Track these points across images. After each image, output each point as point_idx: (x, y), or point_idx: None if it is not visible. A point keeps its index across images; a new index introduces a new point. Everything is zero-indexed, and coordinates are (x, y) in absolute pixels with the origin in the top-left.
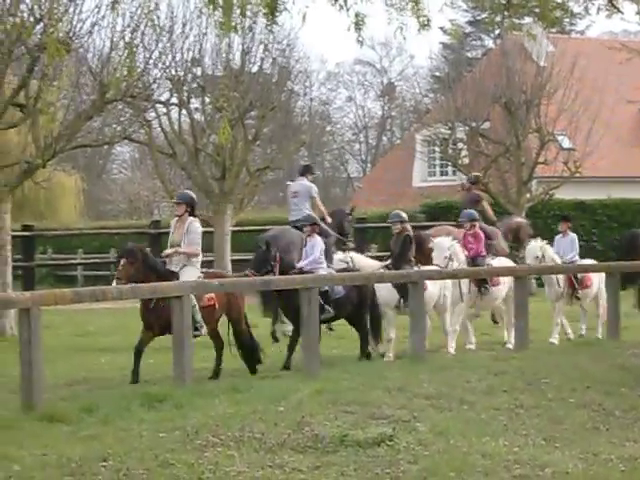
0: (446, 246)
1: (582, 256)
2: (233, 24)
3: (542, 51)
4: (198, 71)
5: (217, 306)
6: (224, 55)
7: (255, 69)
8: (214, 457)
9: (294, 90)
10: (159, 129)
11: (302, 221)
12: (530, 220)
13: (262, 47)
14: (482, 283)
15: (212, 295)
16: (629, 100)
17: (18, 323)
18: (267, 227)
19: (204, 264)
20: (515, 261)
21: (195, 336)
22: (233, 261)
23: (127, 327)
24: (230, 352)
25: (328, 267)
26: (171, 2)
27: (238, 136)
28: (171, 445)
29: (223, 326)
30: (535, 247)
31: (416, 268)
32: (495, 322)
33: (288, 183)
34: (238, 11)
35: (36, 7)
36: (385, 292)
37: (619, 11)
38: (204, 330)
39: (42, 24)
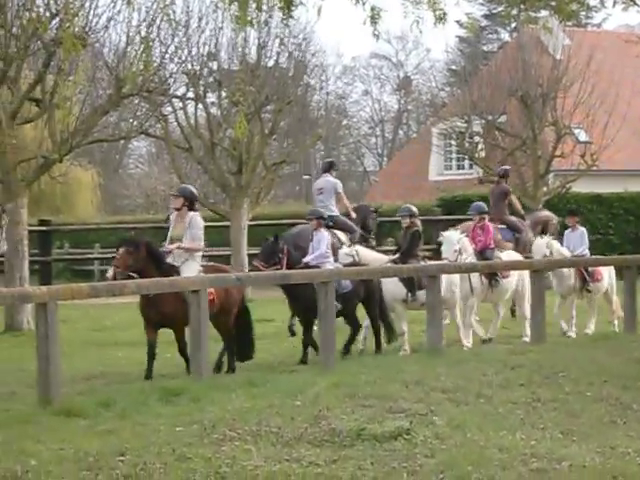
0: (455, 239)
1: (597, 250)
2: (249, 18)
3: (558, 44)
4: (214, 65)
5: (216, 300)
6: (240, 49)
7: (271, 63)
8: (231, 451)
9: (310, 84)
10: (175, 124)
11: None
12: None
13: (278, 41)
14: (493, 276)
15: (212, 289)
16: None
17: (35, 317)
18: (284, 221)
19: (222, 258)
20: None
21: None
22: (250, 255)
23: None
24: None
25: (335, 261)
26: None
27: (254, 130)
28: (188, 439)
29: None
30: (542, 244)
31: (422, 262)
32: (514, 315)
33: (305, 176)
34: (254, 5)
35: (52, 2)
36: (392, 286)
37: (635, 4)
38: None
39: (58, 19)
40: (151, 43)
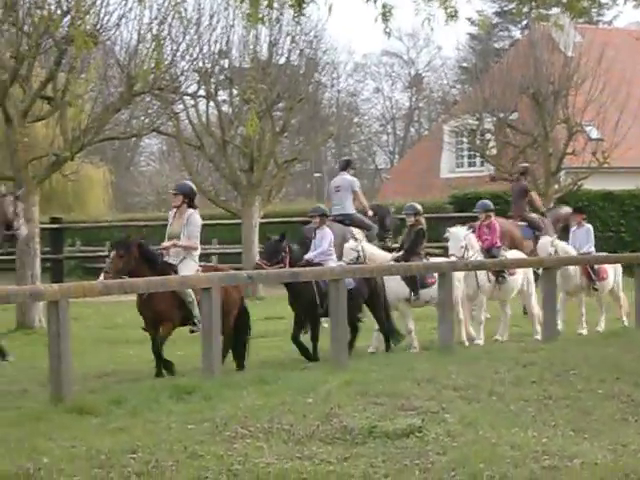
0: (462, 236)
1: (609, 247)
2: (260, 16)
3: (569, 41)
4: (225, 63)
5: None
6: (251, 47)
7: (282, 61)
8: (243, 449)
9: (321, 82)
10: (187, 121)
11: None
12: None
13: (289, 39)
14: (500, 273)
15: None
16: None
17: (47, 315)
18: (295, 219)
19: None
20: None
21: (192, 331)
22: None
23: None
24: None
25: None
26: None
27: (266, 128)
28: (200, 437)
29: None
30: (547, 243)
31: (425, 260)
32: (526, 313)
33: (316, 174)
34: (265, 3)
35: (63, 0)
36: (395, 285)
37: None
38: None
39: (69, 16)
40: (162, 41)
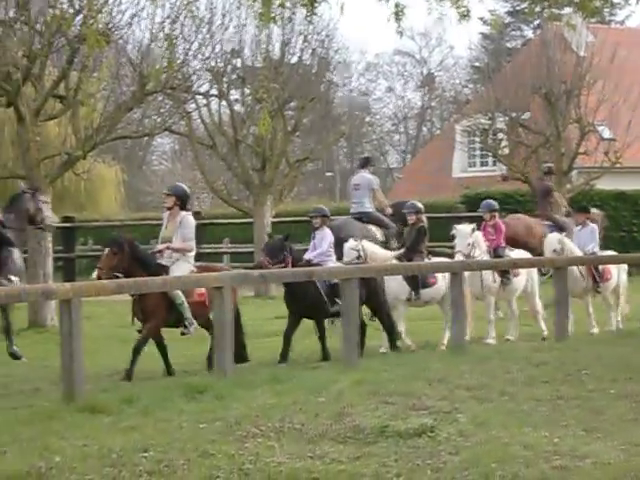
0: (468, 233)
1: (621, 247)
2: (272, 15)
3: (582, 41)
4: (238, 62)
5: (208, 302)
6: (264, 46)
7: (295, 60)
8: (255, 448)
9: (333, 81)
10: (199, 120)
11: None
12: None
13: (301, 38)
14: (505, 274)
15: (203, 290)
16: None
17: (59, 314)
18: (307, 218)
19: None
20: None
21: (183, 334)
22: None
23: None
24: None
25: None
26: None
27: (278, 127)
28: (212, 436)
29: None
30: (553, 240)
31: (427, 259)
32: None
33: (328, 173)
34: (277, 2)
35: None
36: (395, 285)
37: None
38: (193, 328)
39: (82, 15)
40: (175, 40)
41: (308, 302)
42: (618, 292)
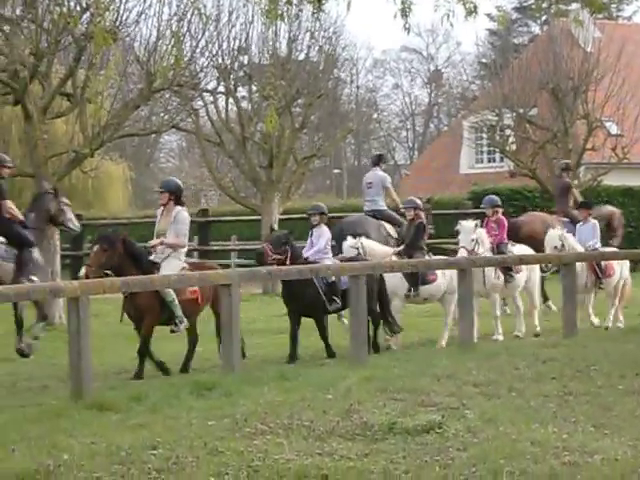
0: (472, 229)
1: (629, 243)
2: (279, 12)
3: (589, 37)
4: (245, 59)
5: (200, 300)
6: (271, 43)
7: (302, 57)
8: (263, 445)
9: (341, 78)
10: (206, 118)
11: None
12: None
13: (308, 35)
14: (508, 271)
15: (195, 288)
16: None
17: (67, 312)
18: None
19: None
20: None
21: (172, 331)
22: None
23: None
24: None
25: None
26: None
27: (285, 124)
28: (220, 433)
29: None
30: (554, 236)
31: (427, 257)
32: (548, 307)
33: (335, 170)
34: None
35: None
36: (394, 281)
37: None
38: (183, 326)
39: (89, 13)
40: (182, 37)
41: (306, 301)
42: (617, 288)
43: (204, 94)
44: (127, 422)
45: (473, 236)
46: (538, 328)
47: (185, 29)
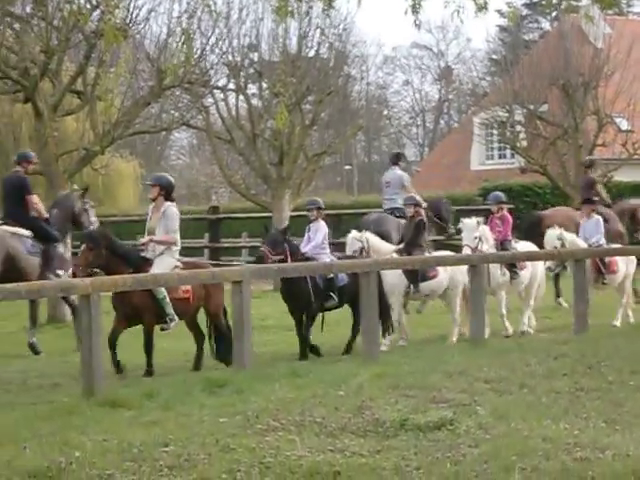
0: (475, 226)
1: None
2: (290, 9)
3: (599, 33)
4: (255, 57)
5: (193, 298)
6: (281, 40)
7: (312, 54)
8: (275, 441)
9: (351, 74)
10: (217, 115)
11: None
12: None
13: (319, 32)
14: (513, 267)
15: (188, 287)
16: None
17: (78, 309)
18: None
19: None
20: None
21: (163, 329)
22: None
23: None
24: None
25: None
26: None
27: (295, 121)
28: (232, 430)
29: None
30: (553, 235)
31: (427, 253)
32: (559, 303)
33: (346, 167)
34: None
35: None
36: (393, 278)
37: None
38: (174, 324)
39: (99, 10)
40: (192, 35)
41: (301, 297)
42: (624, 286)
43: (214, 91)
44: (139, 419)
45: (476, 234)
46: (524, 327)
47: (195, 26)
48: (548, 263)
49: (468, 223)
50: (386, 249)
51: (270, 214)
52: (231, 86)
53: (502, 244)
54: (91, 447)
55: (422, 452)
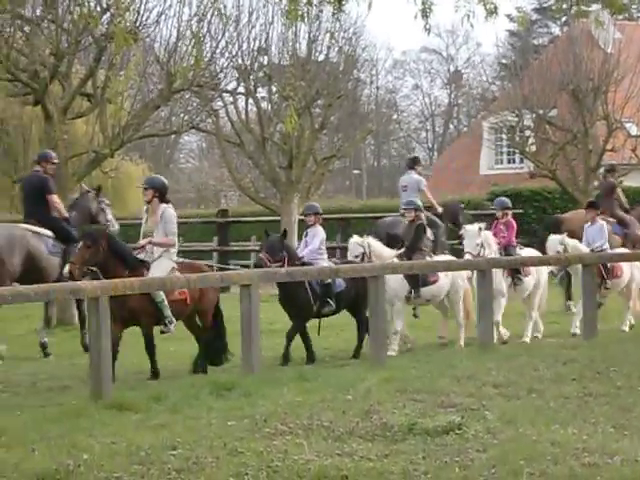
0: (476, 233)
1: None
2: (299, 12)
3: (609, 38)
4: (265, 60)
5: (188, 300)
6: (290, 44)
7: (321, 58)
8: (283, 445)
9: (360, 78)
10: (226, 118)
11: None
12: None
13: (328, 35)
14: (516, 274)
15: (184, 290)
16: None
17: (87, 312)
18: (333, 216)
19: None
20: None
21: (163, 332)
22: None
23: None
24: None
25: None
26: None
27: (305, 125)
28: (240, 433)
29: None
30: (555, 241)
31: (428, 258)
32: (568, 307)
33: (355, 171)
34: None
35: None
36: (395, 283)
37: None
38: (173, 327)
39: (109, 14)
40: (202, 38)
41: (297, 302)
42: (629, 291)
43: (224, 95)
44: (147, 422)
45: (478, 240)
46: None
47: (205, 30)
48: (551, 267)
49: (470, 230)
50: (387, 254)
51: (279, 218)
52: (241, 89)
53: (506, 249)
54: (99, 450)
55: (430, 456)
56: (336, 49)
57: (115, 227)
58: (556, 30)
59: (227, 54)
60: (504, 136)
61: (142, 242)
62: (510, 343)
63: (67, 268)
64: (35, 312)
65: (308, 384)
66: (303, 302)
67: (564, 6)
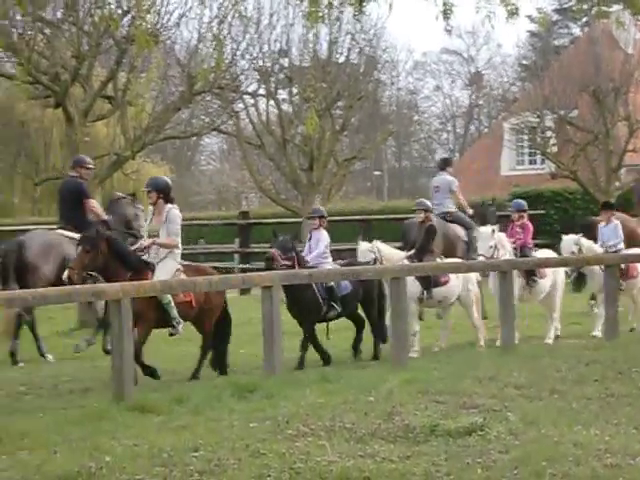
0: (490, 235)
1: None
2: (320, 14)
3: (630, 38)
4: (285, 62)
5: (194, 302)
6: (311, 46)
7: (342, 59)
8: (305, 447)
9: (381, 80)
10: (247, 120)
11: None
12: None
13: (349, 37)
14: (531, 276)
15: (190, 292)
16: None
17: (109, 314)
18: (354, 217)
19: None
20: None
21: (171, 334)
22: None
23: None
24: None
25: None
26: None
27: (326, 126)
28: (262, 435)
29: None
30: (570, 241)
31: (438, 259)
32: (590, 306)
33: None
34: (325, 1)
35: None
36: (408, 284)
37: None
38: (181, 327)
39: (130, 16)
40: (223, 40)
41: (303, 306)
42: None
43: (245, 97)
44: (169, 424)
45: (491, 243)
46: (549, 340)
47: (226, 32)
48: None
49: (483, 232)
50: (398, 257)
51: (300, 219)
52: (261, 91)
53: (522, 251)
54: (121, 452)
55: (452, 458)
56: (357, 51)
57: (143, 235)
58: (577, 31)
59: (248, 56)
60: (525, 137)
61: (146, 243)
62: (532, 344)
63: (66, 273)
64: (57, 314)
65: (330, 385)
66: (312, 305)
67: (585, 7)
